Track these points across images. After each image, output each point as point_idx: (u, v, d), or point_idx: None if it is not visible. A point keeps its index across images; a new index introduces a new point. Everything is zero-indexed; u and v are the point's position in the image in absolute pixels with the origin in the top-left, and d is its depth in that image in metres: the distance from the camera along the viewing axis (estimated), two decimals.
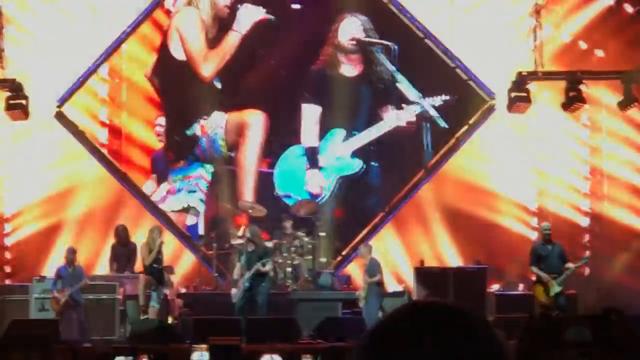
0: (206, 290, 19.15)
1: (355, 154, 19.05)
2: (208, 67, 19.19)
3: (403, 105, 18.82)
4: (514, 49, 20.28)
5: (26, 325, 16.12)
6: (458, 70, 20.83)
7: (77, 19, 20.52)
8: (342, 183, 19.07)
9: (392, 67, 18.69)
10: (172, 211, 19.85)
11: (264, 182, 19.25)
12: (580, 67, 19.95)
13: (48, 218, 20.27)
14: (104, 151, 20.57)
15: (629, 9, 20.01)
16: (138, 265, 18.03)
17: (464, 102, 20.59)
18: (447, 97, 19.12)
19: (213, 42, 19.35)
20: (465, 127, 20.80)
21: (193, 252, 20.23)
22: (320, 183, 19.06)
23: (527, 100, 19.08)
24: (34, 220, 20.29)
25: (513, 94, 19.08)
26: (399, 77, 18.65)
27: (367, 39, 19.03)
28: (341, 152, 19.07)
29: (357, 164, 19.20)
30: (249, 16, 19.16)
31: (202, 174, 19.51)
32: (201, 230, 19.86)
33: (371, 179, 19.26)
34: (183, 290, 19.25)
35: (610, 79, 19.96)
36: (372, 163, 19.24)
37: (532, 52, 19.63)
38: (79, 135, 20.69)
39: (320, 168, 19.05)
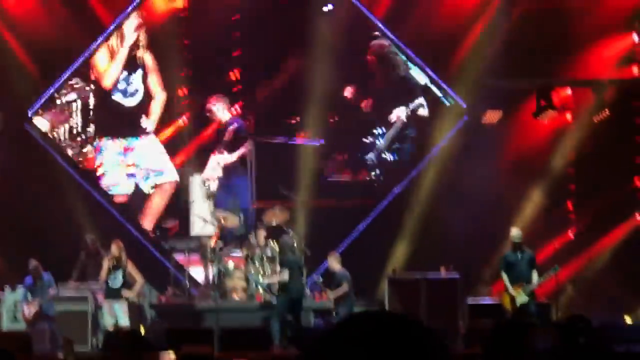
0: (178, 301, 19.03)
1: None
2: (107, 79, 21.10)
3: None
4: (485, 57, 20.32)
5: None
6: (428, 80, 21.00)
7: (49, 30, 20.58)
8: None
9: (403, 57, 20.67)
10: None
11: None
12: (551, 74, 20.09)
13: (19, 227, 20.17)
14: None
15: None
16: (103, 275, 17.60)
17: (434, 111, 20.71)
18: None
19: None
20: (436, 136, 20.94)
21: (165, 262, 20.22)
22: None
23: (499, 108, 19.19)
24: (5, 230, 20.18)
25: (485, 103, 19.18)
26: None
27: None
28: None
29: None
30: (130, 27, 21.03)
31: None
32: None
33: None
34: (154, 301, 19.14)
35: (581, 86, 20.11)
36: None
37: (503, 59, 19.69)
38: (51, 144, 20.74)
39: None
